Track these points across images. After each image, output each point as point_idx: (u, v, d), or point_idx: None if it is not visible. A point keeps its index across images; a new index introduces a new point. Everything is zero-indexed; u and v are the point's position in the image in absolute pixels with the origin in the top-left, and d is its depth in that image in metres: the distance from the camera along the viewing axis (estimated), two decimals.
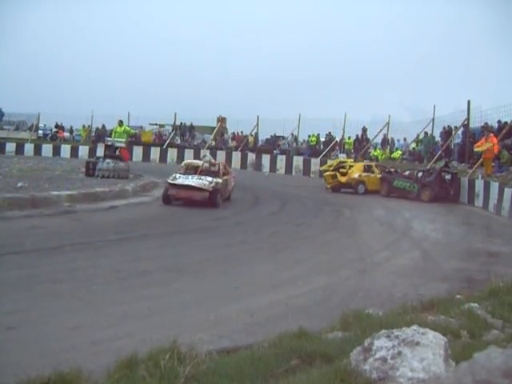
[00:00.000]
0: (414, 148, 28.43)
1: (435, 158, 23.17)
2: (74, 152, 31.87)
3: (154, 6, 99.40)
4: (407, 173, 19.73)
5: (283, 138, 34.90)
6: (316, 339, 3.47)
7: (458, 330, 3.65)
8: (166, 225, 10.62)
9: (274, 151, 32.11)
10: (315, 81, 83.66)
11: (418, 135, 27.48)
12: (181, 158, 31.02)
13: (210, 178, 13.43)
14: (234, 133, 36.49)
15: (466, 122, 22.07)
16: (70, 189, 12.64)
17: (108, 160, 16.76)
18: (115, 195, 13.34)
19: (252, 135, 33.48)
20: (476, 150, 19.18)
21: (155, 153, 31.60)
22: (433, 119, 26.13)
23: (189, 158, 30.62)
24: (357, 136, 31.03)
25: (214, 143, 34.21)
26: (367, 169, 20.18)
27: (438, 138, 26.11)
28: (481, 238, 11.24)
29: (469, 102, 21.61)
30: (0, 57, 56.61)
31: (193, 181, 13.34)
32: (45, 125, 40.30)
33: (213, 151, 31.33)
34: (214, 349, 3.48)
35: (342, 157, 27.45)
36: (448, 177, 18.68)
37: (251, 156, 30.15)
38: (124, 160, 17.53)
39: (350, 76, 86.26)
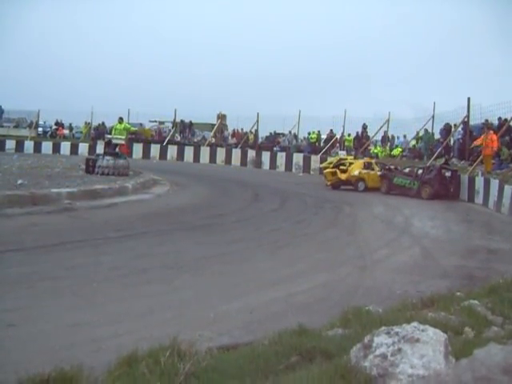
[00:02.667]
0: (414, 145, 28.42)
1: (435, 155, 23.15)
2: (74, 149, 31.90)
3: (154, 3, 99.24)
4: (407, 170, 19.72)
5: (283, 135, 34.90)
6: (316, 336, 3.47)
7: (458, 327, 3.65)
8: (166, 222, 10.62)
9: (274, 148, 32.12)
10: (316, 78, 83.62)
11: (418, 132, 27.47)
12: (181, 155, 31.10)
13: None
14: (234, 130, 36.49)
15: (465, 119, 22.06)
16: (69, 186, 12.63)
17: (108, 157, 16.75)
18: (115, 192, 13.33)
19: (252, 132, 33.48)
20: (472, 146, 19.20)
21: (155, 150, 31.62)
22: (433, 116, 26.12)
23: (189, 155, 30.88)
24: (357, 133, 31.01)
25: (214, 140, 34.21)
26: (367, 166, 20.18)
27: (438, 135, 26.09)
28: (481, 234, 11.24)
29: (469, 99, 21.61)
30: (0, 54, 56.60)
31: None
32: (44, 122, 40.31)
33: (213, 148, 31.38)
34: (214, 346, 3.48)
35: (342, 154, 27.45)
36: (448, 174, 18.67)
37: (251, 153, 30.15)
38: (124, 155, 17.53)
39: (352, 73, 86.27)
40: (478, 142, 18.80)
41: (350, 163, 20.28)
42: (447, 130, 24.32)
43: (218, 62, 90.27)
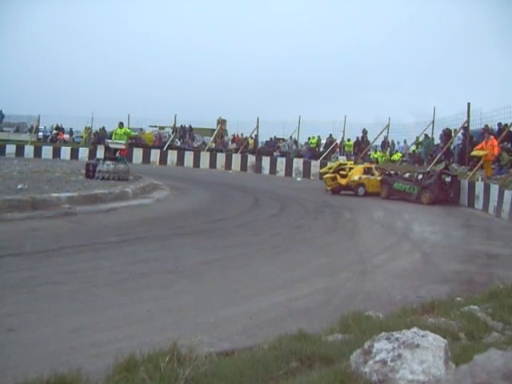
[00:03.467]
0: (414, 150, 28.43)
1: (435, 160, 23.17)
2: (74, 154, 31.94)
3: (154, 8, 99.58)
4: (407, 175, 19.74)
5: (283, 140, 34.93)
6: (316, 341, 3.46)
7: (459, 333, 3.64)
8: (166, 227, 10.61)
9: (274, 153, 32.13)
10: (316, 83, 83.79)
11: (418, 137, 27.49)
12: (181, 160, 31.13)
13: None
14: (234, 135, 36.51)
15: (465, 125, 22.09)
16: (69, 191, 12.64)
17: (108, 162, 16.76)
18: (115, 197, 13.34)
19: (252, 137, 33.49)
20: (473, 154, 19.20)
21: (155, 155, 31.66)
22: (433, 121, 26.16)
23: (189, 160, 30.91)
24: (357, 138, 31.04)
25: (214, 145, 34.25)
26: (367, 171, 20.20)
27: (438, 141, 26.11)
28: (481, 240, 11.24)
29: (469, 104, 21.65)
30: (0, 59, 56.77)
31: None
32: (45, 127, 40.35)
33: (213, 153, 31.41)
34: (214, 351, 3.47)
35: (342, 159, 27.46)
36: (448, 179, 18.69)
37: (251, 158, 30.17)
38: (124, 159, 17.56)
39: (353, 78, 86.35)
40: (479, 147, 18.76)
41: (350, 168, 20.30)
42: (447, 134, 24.35)
43: (218, 68, 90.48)
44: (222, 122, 35.21)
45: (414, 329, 2.60)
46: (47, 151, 32.43)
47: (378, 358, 2.44)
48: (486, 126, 21.28)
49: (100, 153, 23.43)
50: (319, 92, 79.87)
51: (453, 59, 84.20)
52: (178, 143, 34.99)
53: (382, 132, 29.27)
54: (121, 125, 19.51)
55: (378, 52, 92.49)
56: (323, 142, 32.50)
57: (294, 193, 19.22)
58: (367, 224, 12.98)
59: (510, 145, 19.67)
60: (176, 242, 9.06)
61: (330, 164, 24.39)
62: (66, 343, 4.26)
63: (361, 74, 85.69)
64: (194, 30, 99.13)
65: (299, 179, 26.73)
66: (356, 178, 19.68)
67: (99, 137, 34.46)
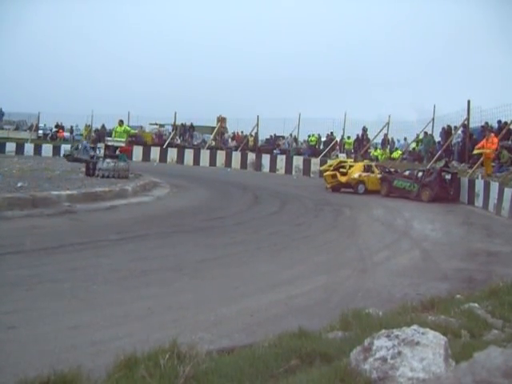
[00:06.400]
0: (414, 148, 28.41)
1: (435, 157, 23.17)
2: None
3: (154, 5, 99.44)
4: (407, 173, 19.74)
5: (283, 137, 34.93)
6: (316, 339, 3.46)
7: (458, 330, 3.64)
8: (166, 225, 10.61)
9: (274, 151, 32.12)
10: (317, 81, 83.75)
11: (418, 135, 27.48)
12: (181, 157, 31.13)
13: None
14: (234, 133, 36.50)
15: (465, 122, 22.09)
16: (70, 188, 12.63)
17: (108, 160, 16.76)
18: (115, 195, 13.33)
19: (252, 135, 33.48)
20: (475, 152, 19.18)
21: (155, 153, 31.64)
22: (433, 119, 26.15)
23: (189, 158, 30.89)
24: (357, 136, 31.03)
25: (214, 143, 34.24)
26: (367, 169, 20.20)
27: (438, 138, 26.09)
28: (481, 237, 11.24)
29: (469, 101, 21.66)
30: (0, 56, 56.73)
31: None
32: (45, 124, 40.36)
33: (213, 151, 31.39)
34: (214, 348, 3.47)
35: (342, 157, 27.45)
36: (448, 177, 18.68)
37: (251, 156, 30.16)
38: (124, 156, 17.57)
39: (353, 76, 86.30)
40: (480, 146, 18.75)
41: (350, 166, 20.30)
42: (447, 132, 24.34)
43: (218, 65, 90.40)
44: (221, 120, 35.17)
45: (414, 326, 2.60)
46: (47, 149, 32.40)
47: (377, 356, 2.44)
48: (486, 123, 21.28)
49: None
50: (319, 89, 79.85)
51: (453, 57, 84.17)
52: (178, 141, 34.97)
53: (382, 130, 29.27)
54: (121, 122, 19.48)
55: (378, 49, 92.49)
56: (323, 139, 32.51)
57: (293, 190, 19.22)
58: (367, 222, 12.98)
59: (510, 142, 19.66)
60: (176, 240, 9.06)
61: (329, 162, 24.39)
62: (66, 341, 4.26)
63: (361, 71, 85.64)
64: (194, 28, 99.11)
65: (295, 177, 26.69)
66: (356, 175, 19.67)
67: (99, 134, 34.43)
